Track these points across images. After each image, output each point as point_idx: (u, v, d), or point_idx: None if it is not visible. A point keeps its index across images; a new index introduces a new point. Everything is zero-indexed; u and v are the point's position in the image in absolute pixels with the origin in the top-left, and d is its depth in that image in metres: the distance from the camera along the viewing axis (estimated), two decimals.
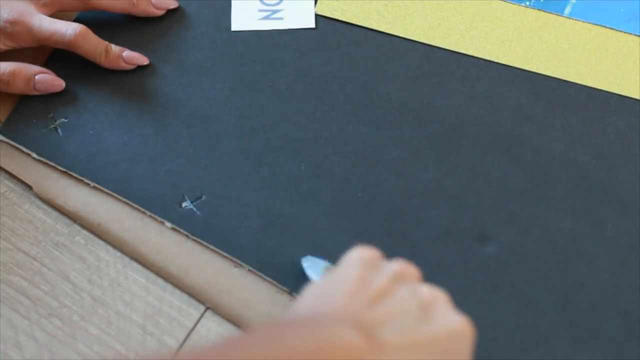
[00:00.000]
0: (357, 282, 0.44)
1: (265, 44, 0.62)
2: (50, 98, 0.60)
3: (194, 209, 0.56)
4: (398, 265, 0.46)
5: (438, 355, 0.42)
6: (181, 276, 0.55)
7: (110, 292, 0.55)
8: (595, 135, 0.58)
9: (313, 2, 0.63)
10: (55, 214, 0.57)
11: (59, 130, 0.59)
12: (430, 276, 0.54)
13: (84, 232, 0.57)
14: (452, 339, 0.43)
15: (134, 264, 0.56)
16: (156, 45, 0.62)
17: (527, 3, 0.62)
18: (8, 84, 0.58)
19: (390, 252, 0.55)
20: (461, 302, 0.53)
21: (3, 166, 0.59)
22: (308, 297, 0.44)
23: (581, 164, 0.57)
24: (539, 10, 0.62)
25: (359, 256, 0.46)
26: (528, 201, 0.56)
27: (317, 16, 0.63)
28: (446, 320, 0.43)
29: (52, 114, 0.60)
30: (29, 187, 0.58)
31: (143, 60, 0.61)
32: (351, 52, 0.61)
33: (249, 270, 0.55)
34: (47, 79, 0.59)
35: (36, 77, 0.59)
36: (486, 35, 0.61)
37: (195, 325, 0.54)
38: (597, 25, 0.61)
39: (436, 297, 0.45)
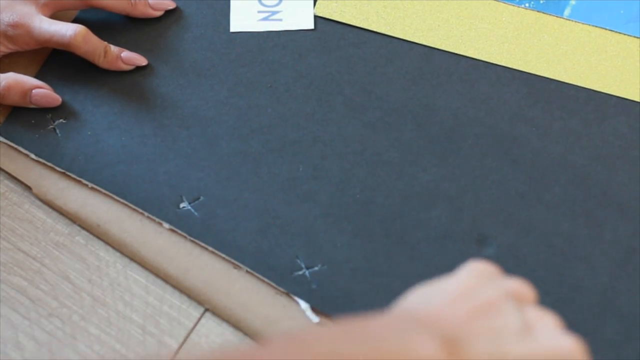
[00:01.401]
0: (465, 290, 0.42)
1: (264, 45, 0.62)
2: None
3: (192, 210, 0.57)
4: (514, 283, 0.43)
5: None
6: (180, 278, 0.55)
7: (110, 292, 0.55)
8: (594, 137, 0.58)
9: (312, 3, 0.63)
10: (55, 214, 0.57)
11: (57, 131, 0.59)
12: (428, 278, 0.54)
13: (84, 232, 0.57)
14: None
15: (134, 264, 0.56)
16: (155, 46, 0.62)
17: (527, 4, 0.62)
18: (3, 97, 0.58)
19: (388, 254, 0.55)
20: None
21: (2, 167, 0.59)
22: (413, 294, 0.43)
23: (580, 166, 0.57)
24: (538, 11, 0.62)
25: (476, 267, 0.44)
26: (527, 203, 0.56)
27: (316, 17, 0.63)
28: (550, 341, 0.40)
29: (50, 115, 0.60)
30: (29, 188, 0.58)
31: (141, 60, 0.61)
32: (350, 53, 0.61)
33: (247, 271, 0.55)
34: (44, 94, 0.59)
35: (33, 91, 0.59)
36: (485, 36, 0.61)
37: (195, 325, 0.54)
38: (596, 27, 0.61)
39: (543, 318, 0.42)
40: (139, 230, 0.56)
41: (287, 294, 0.54)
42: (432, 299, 0.42)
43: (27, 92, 0.59)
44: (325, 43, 0.62)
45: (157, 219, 0.56)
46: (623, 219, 0.55)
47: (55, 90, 0.60)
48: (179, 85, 0.61)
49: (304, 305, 0.54)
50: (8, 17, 0.58)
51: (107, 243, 0.56)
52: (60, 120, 0.60)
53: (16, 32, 0.58)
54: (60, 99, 0.59)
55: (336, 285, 0.54)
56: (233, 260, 0.55)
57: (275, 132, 0.59)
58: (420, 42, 0.61)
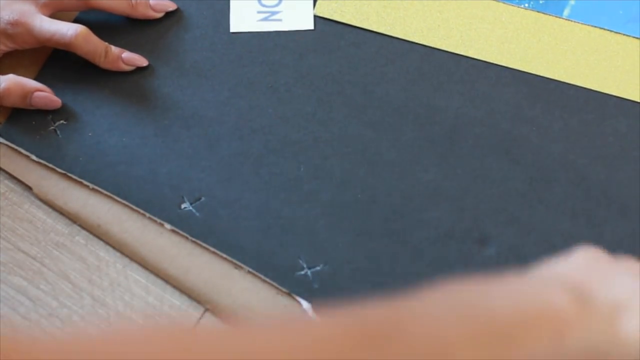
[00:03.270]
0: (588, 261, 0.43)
1: (264, 45, 0.62)
2: None
3: (193, 211, 0.56)
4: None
5: None
6: (181, 278, 0.55)
7: (110, 292, 0.55)
8: (594, 137, 0.58)
9: (312, 3, 0.63)
10: (55, 214, 0.57)
11: (58, 132, 0.59)
12: (429, 278, 0.54)
13: (84, 232, 0.57)
14: None
15: (134, 264, 0.56)
16: (155, 46, 0.62)
17: (526, 5, 0.62)
18: (3, 99, 0.58)
19: (389, 254, 0.55)
20: None
21: (3, 167, 0.59)
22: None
23: (580, 166, 0.57)
24: (537, 12, 0.62)
25: (588, 252, 0.45)
26: (527, 203, 0.56)
27: (315, 17, 0.63)
28: None
29: (51, 116, 0.60)
30: (29, 188, 0.58)
31: (142, 61, 0.61)
32: (350, 53, 0.61)
33: (249, 271, 0.55)
34: (43, 97, 0.59)
35: (33, 94, 0.59)
36: (485, 36, 0.61)
37: (196, 325, 0.54)
38: (595, 27, 0.61)
39: None
40: (140, 230, 0.56)
41: (289, 294, 0.54)
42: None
43: (27, 95, 0.58)
44: (325, 43, 0.62)
45: (158, 220, 0.56)
46: (623, 218, 0.55)
47: (56, 91, 0.60)
48: (180, 86, 0.61)
49: (305, 305, 0.54)
50: (8, 15, 0.58)
51: (107, 243, 0.56)
52: (61, 121, 0.60)
53: (16, 31, 0.58)
54: (60, 102, 0.59)
55: (338, 285, 0.54)
56: (234, 261, 0.55)
57: (276, 133, 0.59)
58: (420, 42, 0.62)
